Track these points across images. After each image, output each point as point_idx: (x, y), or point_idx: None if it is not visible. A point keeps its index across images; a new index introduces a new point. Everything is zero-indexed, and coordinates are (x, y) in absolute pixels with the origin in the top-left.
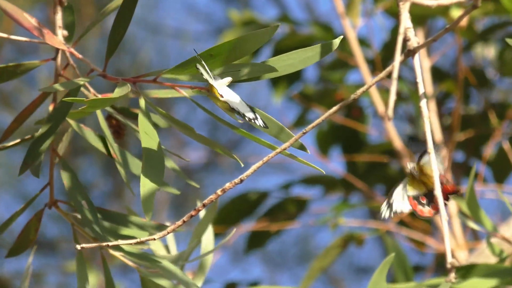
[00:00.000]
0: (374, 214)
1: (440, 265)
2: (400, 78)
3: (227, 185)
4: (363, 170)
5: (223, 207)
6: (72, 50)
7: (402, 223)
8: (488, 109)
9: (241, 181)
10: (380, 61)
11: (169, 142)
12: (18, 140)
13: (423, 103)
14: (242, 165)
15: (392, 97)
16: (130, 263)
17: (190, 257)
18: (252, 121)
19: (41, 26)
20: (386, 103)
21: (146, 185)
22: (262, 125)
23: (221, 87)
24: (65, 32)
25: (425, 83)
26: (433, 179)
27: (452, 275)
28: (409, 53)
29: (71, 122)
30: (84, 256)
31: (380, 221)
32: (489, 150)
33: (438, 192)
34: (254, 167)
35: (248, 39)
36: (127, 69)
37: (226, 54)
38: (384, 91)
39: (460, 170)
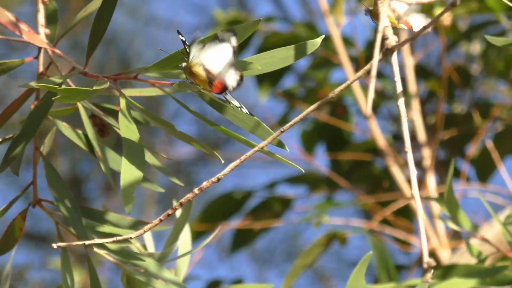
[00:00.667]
0: (359, 212)
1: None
2: (384, 76)
3: (204, 183)
4: (347, 169)
5: (208, 205)
6: (54, 48)
7: (385, 222)
8: (472, 108)
9: (218, 179)
10: (363, 60)
11: (159, 138)
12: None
13: (400, 101)
14: (223, 162)
15: (371, 95)
16: (114, 261)
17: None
18: (239, 108)
19: (21, 23)
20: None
21: (126, 178)
22: (242, 109)
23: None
24: (47, 31)
25: (409, 82)
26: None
27: (429, 275)
28: (387, 51)
29: (54, 120)
30: (68, 254)
31: (364, 220)
32: (472, 149)
33: (416, 194)
34: (231, 165)
35: None
36: (118, 62)
37: None
38: (368, 90)
39: (443, 169)
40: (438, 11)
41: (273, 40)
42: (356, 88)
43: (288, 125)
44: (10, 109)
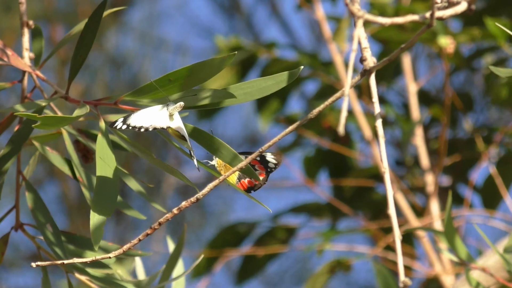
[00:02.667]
0: (363, 238)
1: None
2: (386, 102)
3: (183, 203)
4: (350, 195)
5: (217, 235)
6: (38, 72)
7: (389, 248)
8: (475, 133)
9: (197, 199)
10: (366, 86)
11: (168, 160)
12: None
13: (378, 122)
14: (198, 192)
15: (344, 114)
16: (94, 286)
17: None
18: (192, 158)
19: (5, 47)
20: (373, 128)
21: (95, 216)
22: (196, 166)
23: (174, 113)
24: (32, 54)
25: (412, 108)
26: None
27: None
28: (365, 72)
29: (37, 145)
30: (48, 276)
31: (369, 246)
32: (475, 175)
33: (392, 211)
34: (210, 185)
35: (205, 65)
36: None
37: (184, 80)
38: (371, 116)
39: (446, 194)
40: (442, 41)
41: (275, 68)
42: (359, 114)
43: (265, 146)
44: None
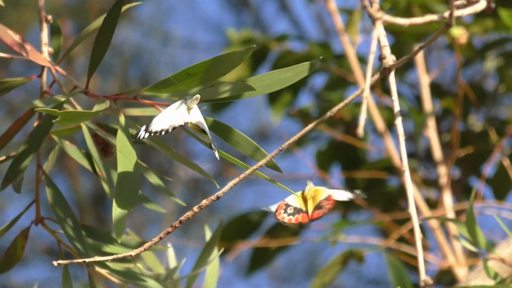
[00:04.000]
0: (376, 230)
1: (440, 282)
2: (398, 95)
3: (204, 202)
4: (362, 187)
5: (226, 225)
6: (57, 67)
7: (402, 239)
8: (488, 125)
9: (218, 198)
10: (378, 79)
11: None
12: (2, 158)
13: (398, 120)
14: (218, 187)
15: (363, 115)
16: (115, 280)
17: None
18: (214, 150)
19: (24, 42)
20: (385, 120)
21: (117, 209)
22: (217, 158)
23: (192, 107)
24: (51, 49)
25: (424, 100)
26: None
27: None
28: (385, 70)
29: (57, 139)
30: (69, 272)
31: (381, 238)
32: (488, 167)
33: (412, 209)
34: (231, 183)
35: (224, 59)
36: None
37: (203, 74)
38: (383, 108)
39: (459, 187)
40: (455, 31)
41: (286, 60)
42: (372, 107)
43: (285, 144)
44: (13, 128)
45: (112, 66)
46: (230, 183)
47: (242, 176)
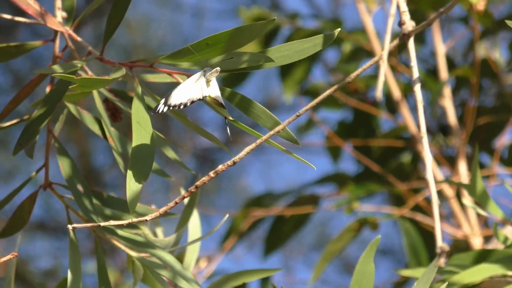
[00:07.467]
0: (389, 201)
1: (455, 251)
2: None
3: (220, 167)
4: (377, 157)
5: (245, 205)
6: (71, 32)
7: (417, 208)
8: (501, 99)
9: (234, 163)
10: (396, 46)
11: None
12: (15, 121)
13: (417, 87)
14: (231, 154)
15: (381, 79)
16: (122, 247)
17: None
18: (227, 125)
19: (40, 7)
20: (401, 90)
21: (132, 180)
22: (228, 134)
23: (211, 79)
24: (64, 14)
25: (440, 68)
26: None
27: (442, 260)
28: (404, 36)
29: (69, 104)
30: (77, 238)
31: (395, 207)
32: (502, 140)
33: (430, 177)
34: (247, 149)
35: (244, 30)
36: (141, 48)
37: (223, 44)
38: (399, 79)
39: (471, 160)
40: None
41: (298, 36)
42: (388, 76)
43: (303, 110)
44: (23, 92)
45: (117, 34)
46: (247, 148)
47: (258, 141)
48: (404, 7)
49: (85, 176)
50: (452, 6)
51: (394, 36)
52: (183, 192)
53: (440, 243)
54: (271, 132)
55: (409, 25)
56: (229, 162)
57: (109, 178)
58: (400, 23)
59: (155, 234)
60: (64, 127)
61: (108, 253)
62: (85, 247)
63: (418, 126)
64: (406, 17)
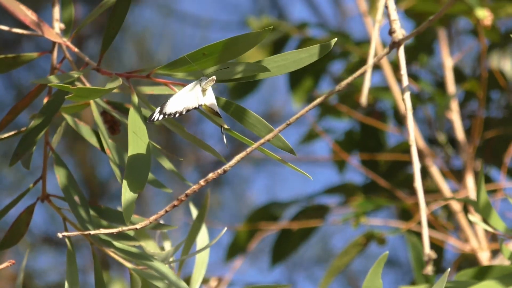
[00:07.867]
0: (396, 215)
1: (461, 266)
2: (420, 79)
3: (210, 175)
4: (384, 170)
5: (251, 215)
6: (68, 43)
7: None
8: (509, 111)
9: (225, 171)
10: (386, 54)
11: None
12: (12, 132)
13: (406, 95)
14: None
15: (366, 84)
16: (120, 259)
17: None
18: (223, 134)
19: (37, 18)
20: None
21: (127, 190)
22: (225, 143)
23: (207, 88)
24: (62, 25)
25: (448, 82)
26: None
27: (429, 268)
28: (394, 45)
29: (66, 116)
30: (74, 249)
31: (402, 220)
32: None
33: (418, 185)
34: (237, 157)
35: (240, 40)
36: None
37: (219, 54)
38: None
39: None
40: (480, 12)
41: (307, 46)
42: (395, 90)
43: (293, 118)
44: (22, 103)
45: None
46: (237, 157)
47: (249, 150)
48: (394, 16)
49: (91, 187)
50: (443, 11)
51: (406, 49)
52: (191, 205)
53: (427, 250)
54: (262, 141)
55: (399, 33)
56: (220, 170)
57: (115, 189)
58: (390, 32)
59: (162, 249)
60: (69, 139)
61: (116, 266)
62: (90, 260)
63: (424, 138)
64: (397, 25)
